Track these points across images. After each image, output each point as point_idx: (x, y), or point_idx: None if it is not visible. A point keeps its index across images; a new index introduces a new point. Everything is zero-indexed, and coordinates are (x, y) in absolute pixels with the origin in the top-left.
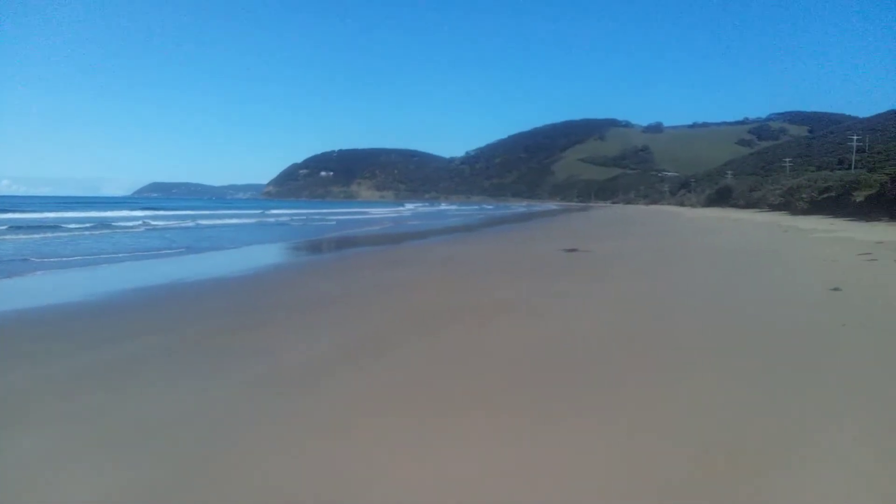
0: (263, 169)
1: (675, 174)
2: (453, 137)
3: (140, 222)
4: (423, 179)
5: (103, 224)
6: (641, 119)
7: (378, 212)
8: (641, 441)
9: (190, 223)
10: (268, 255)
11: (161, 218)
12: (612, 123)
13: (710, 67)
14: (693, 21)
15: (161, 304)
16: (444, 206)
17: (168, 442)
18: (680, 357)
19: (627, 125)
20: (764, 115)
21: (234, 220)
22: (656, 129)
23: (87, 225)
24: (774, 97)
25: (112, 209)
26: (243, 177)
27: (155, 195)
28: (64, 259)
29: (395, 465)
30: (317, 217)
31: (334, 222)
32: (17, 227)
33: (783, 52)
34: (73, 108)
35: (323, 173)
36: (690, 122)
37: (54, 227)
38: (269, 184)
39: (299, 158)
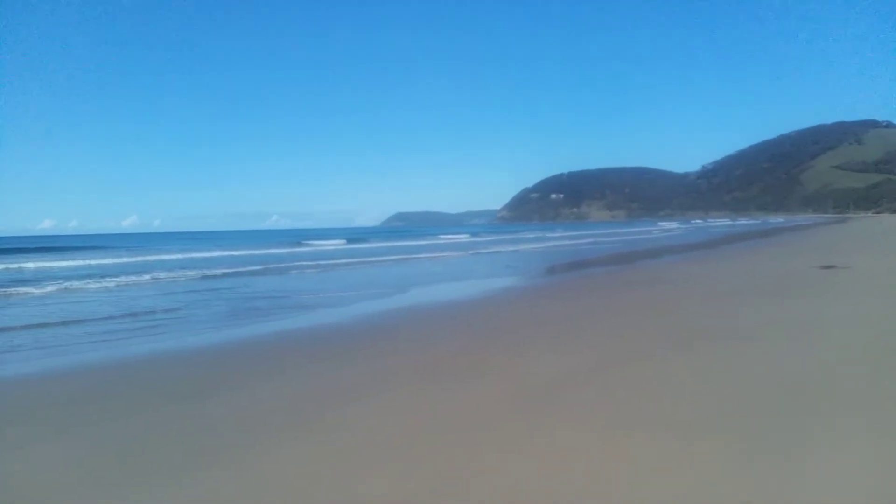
0: (496, 194)
1: None
2: (687, 151)
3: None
4: (656, 197)
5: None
6: None
7: (638, 230)
8: None
9: (538, 244)
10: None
11: (495, 244)
12: (872, 125)
13: None
14: None
15: None
16: (698, 222)
17: (419, 451)
18: None
19: (889, 126)
20: None
21: (566, 242)
22: None
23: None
24: None
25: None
26: (477, 203)
27: (400, 224)
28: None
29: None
30: (606, 236)
31: (648, 238)
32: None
33: None
34: (323, 149)
35: (553, 196)
36: None
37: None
38: (502, 208)
39: (530, 182)
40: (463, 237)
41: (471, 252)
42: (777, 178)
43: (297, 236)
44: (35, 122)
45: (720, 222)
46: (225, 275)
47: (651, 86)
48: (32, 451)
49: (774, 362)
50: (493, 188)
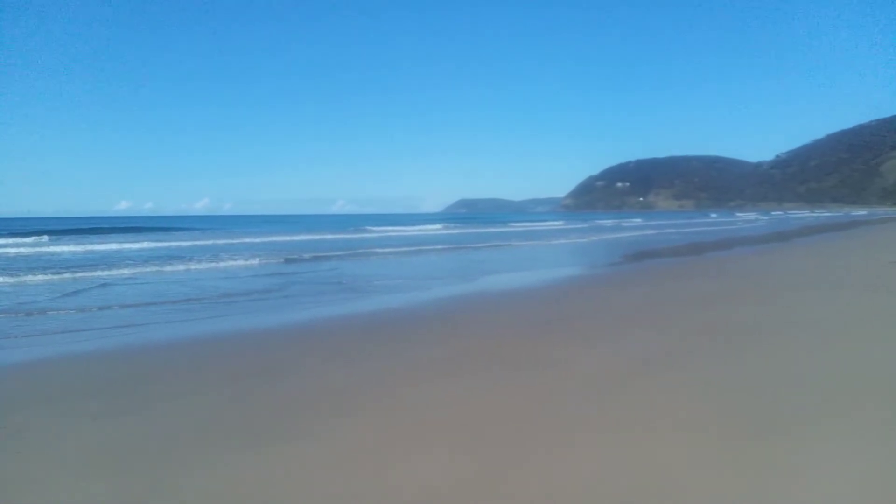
0: (559, 182)
1: None
2: (760, 140)
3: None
4: (726, 187)
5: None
6: None
7: (718, 221)
8: None
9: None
10: None
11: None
12: None
13: None
14: None
15: None
16: (778, 214)
17: (472, 439)
18: None
19: None
20: None
21: (649, 231)
22: None
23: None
24: None
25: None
26: (541, 190)
27: (463, 211)
28: None
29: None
30: (688, 226)
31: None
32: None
33: None
34: (388, 136)
35: (619, 184)
36: None
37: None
38: (566, 196)
39: (595, 170)
40: (543, 225)
41: (553, 241)
42: (854, 170)
43: (363, 222)
44: (112, 110)
45: (800, 214)
46: (315, 258)
47: (724, 72)
48: (121, 421)
49: (838, 359)
50: (557, 176)
